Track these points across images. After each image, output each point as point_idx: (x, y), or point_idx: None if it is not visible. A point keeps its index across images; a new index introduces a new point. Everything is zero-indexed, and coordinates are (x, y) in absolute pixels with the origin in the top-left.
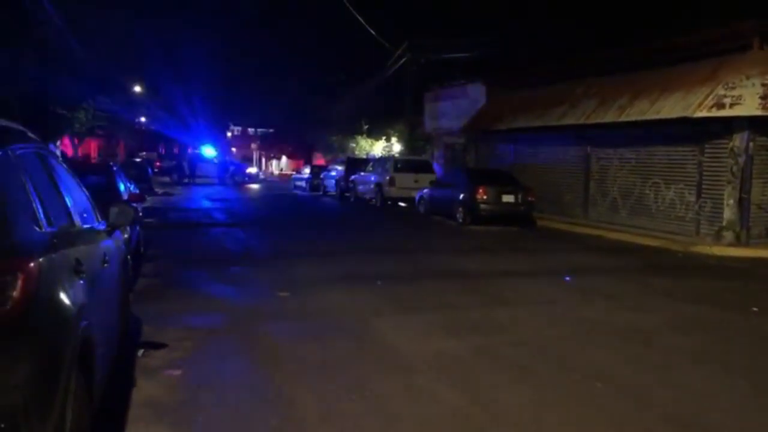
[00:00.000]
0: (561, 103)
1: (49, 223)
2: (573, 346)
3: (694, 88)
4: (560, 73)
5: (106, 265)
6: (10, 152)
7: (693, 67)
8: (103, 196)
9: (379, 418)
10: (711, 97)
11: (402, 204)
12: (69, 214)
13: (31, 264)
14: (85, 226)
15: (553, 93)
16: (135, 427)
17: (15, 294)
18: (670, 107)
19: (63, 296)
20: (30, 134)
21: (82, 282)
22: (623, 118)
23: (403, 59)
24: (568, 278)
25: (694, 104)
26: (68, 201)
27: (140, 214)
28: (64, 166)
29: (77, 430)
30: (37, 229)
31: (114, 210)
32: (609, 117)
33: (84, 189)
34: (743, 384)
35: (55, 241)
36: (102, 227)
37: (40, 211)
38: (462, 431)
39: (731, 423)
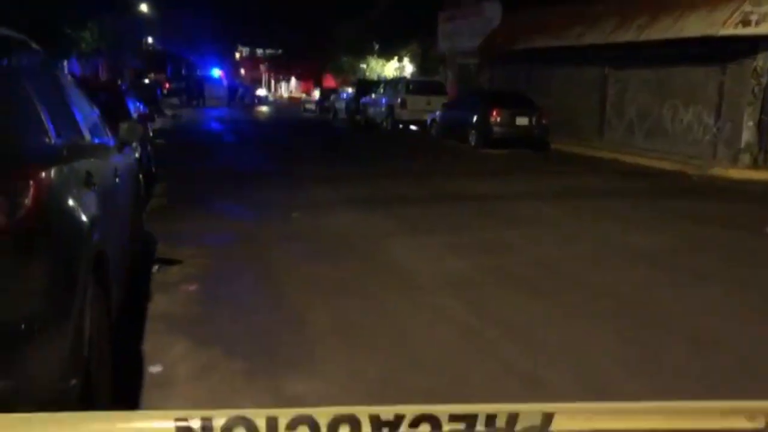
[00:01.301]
0: (579, 22)
1: (59, 135)
2: (583, 266)
3: (719, 5)
4: None
5: (117, 180)
6: (13, 61)
7: None
8: (112, 115)
9: (390, 333)
10: (737, 13)
11: (414, 127)
12: (78, 128)
13: (42, 173)
14: (95, 141)
15: (572, 12)
16: (153, 339)
17: (27, 202)
18: (694, 25)
19: (75, 206)
20: (34, 45)
21: (93, 194)
22: (644, 38)
23: None
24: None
25: (719, 21)
26: (77, 115)
27: (150, 134)
28: (72, 80)
29: (96, 339)
30: (47, 140)
31: (123, 126)
32: (629, 36)
33: (93, 105)
34: (752, 301)
35: (65, 152)
36: (112, 143)
37: (49, 122)
38: (471, 346)
39: (738, 336)
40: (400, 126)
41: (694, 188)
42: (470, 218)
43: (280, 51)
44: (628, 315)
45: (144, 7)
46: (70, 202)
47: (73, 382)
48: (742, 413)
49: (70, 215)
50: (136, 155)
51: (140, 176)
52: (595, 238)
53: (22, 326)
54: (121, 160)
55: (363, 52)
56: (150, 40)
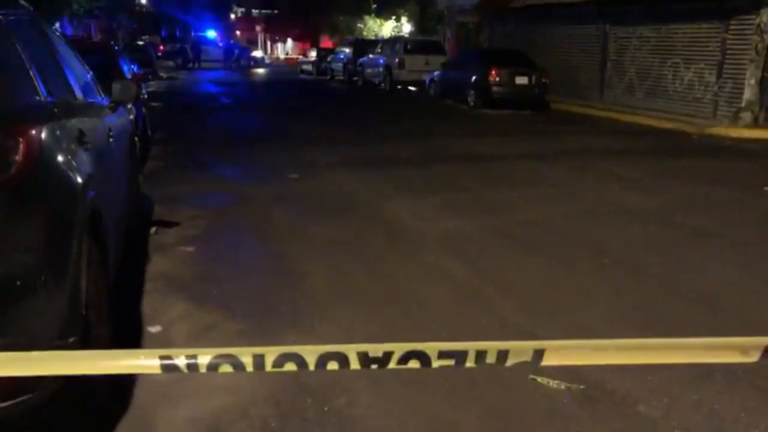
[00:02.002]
0: None
1: (49, 93)
2: (582, 225)
3: None
4: None
5: (111, 140)
6: (1, 17)
7: None
8: (105, 76)
9: (389, 291)
10: None
11: (412, 88)
12: (69, 87)
13: (33, 130)
14: (88, 100)
15: None
16: (151, 298)
17: (18, 158)
18: None
19: (68, 164)
20: (23, 2)
21: (86, 152)
22: None
23: None
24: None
25: None
26: (68, 74)
27: (145, 96)
28: (64, 39)
29: (95, 297)
30: (37, 98)
31: (117, 86)
32: None
33: (85, 65)
34: (749, 258)
35: (55, 110)
36: (105, 103)
37: (39, 80)
38: (470, 303)
39: (734, 294)
40: (399, 86)
41: (694, 147)
42: (469, 179)
43: (275, 11)
44: (628, 273)
45: None
46: (63, 160)
47: (72, 339)
48: (735, 348)
49: (63, 173)
50: (131, 117)
51: (136, 139)
52: (594, 198)
53: (18, 282)
54: (115, 120)
55: (360, 12)
56: (144, 1)
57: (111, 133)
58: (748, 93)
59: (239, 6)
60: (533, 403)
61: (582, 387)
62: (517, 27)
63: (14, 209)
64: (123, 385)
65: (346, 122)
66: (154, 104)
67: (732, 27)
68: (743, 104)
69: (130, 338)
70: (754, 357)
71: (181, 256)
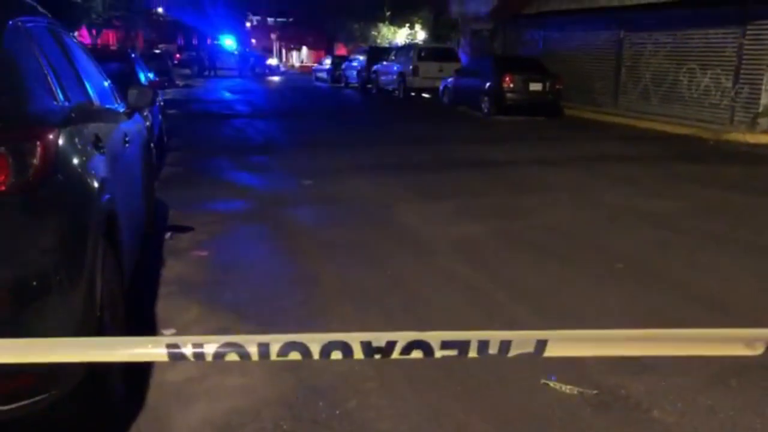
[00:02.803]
0: None
1: (66, 99)
2: (596, 230)
3: None
4: None
5: (127, 145)
6: (20, 23)
7: None
8: (122, 82)
9: (400, 294)
10: None
11: (426, 95)
12: (87, 93)
13: (50, 133)
14: (104, 105)
15: None
16: (165, 302)
17: (35, 162)
18: None
19: (84, 167)
20: (41, 9)
21: (102, 157)
22: None
23: None
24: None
25: None
26: (85, 80)
27: (161, 103)
28: (81, 46)
29: (109, 300)
30: (54, 102)
31: (133, 92)
32: None
33: (102, 71)
34: (764, 264)
35: (72, 114)
36: (121, 109)
37: (56, 85)
38: (480, 307)
39: (748, 299)
40: (412, 93)
41: (711, 153)
42: (483, 184)
43: (290, 20)
44: (641, 278)
45: None
46: (79, 163)
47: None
48: (740, 341)
49: (79, 176)
50: (147, 124)
51: (152, 145)
52: (609, 203)
53: (34, 283)
54: (130, 126)
55: (374, 20)
56: (160, 10)
57: (127, 139)
58: (766, 98)
59: (255, 15)
60: (547, 409)
61: (595, 392)
62: (530, 34)
63: (31, 211)
64: (138, 385)
65: (360, 128)
66: (170, 111)
67: (749, 32)
68: (761, 109)
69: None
70: (759, 350)
71: (195, 261)
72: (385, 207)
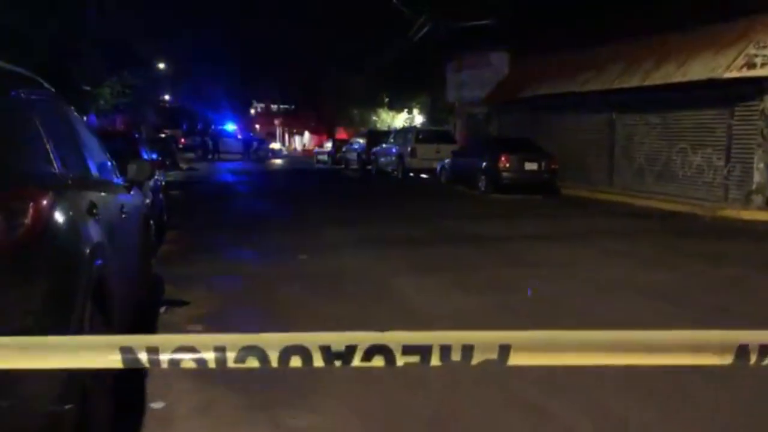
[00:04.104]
0: (585, 68)
1: (64, 167)
2: (594, 303)
3: (723, 49)
4: (584, 37)
5: (123, 215)
6: (23, 94)
7: (723, 28)
8: (125, 160)
9: (394, 371)
10: (741, 56)
11: (424, 176)
12: (84, 164)
13: (42, 194)
14: (102, 177)
15: (578, 59)
16: (157, 374)
17: (27, 221)
18: (698, 69)
19: (76, 231)
20: (46, 84)
21: (96, 224)
22: (648, 82)
23: (425, 29)
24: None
25: (724, 65)
26: (85, 153)
27: (162, 182)
28: (84, 123)
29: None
30: (51, 169)
31: (132, 167)
32: (634, 81)
33: (104, 148)
34: None
35: (68, 181)
36: (120, 182)
37: (55, 155)
38: (479, 379)
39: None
40: (411, 174)
41: (706, 229)
42: (479, 258)
43: (293, 106)
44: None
45: (161, 65)
46: (71, 227)
47: (69, 406)
48: (710, 350)
49: (70, 238)
50: (147, 201)
51: (151, 222)
52: (605, 277)
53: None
54: (128, 199)
55: (374, 105)
56: (167, 97)
57: (124, 210)
58: (758, 177)
59: (259, 102)
60: None
61: None
62: (525, 116)
63: (18, 270)
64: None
65: (359, 207)
66: (172, 192)
67: (737, 113)
68: (754, 187)
69: (133, 415)
70: (728, 360)
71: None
72: (380, 280)
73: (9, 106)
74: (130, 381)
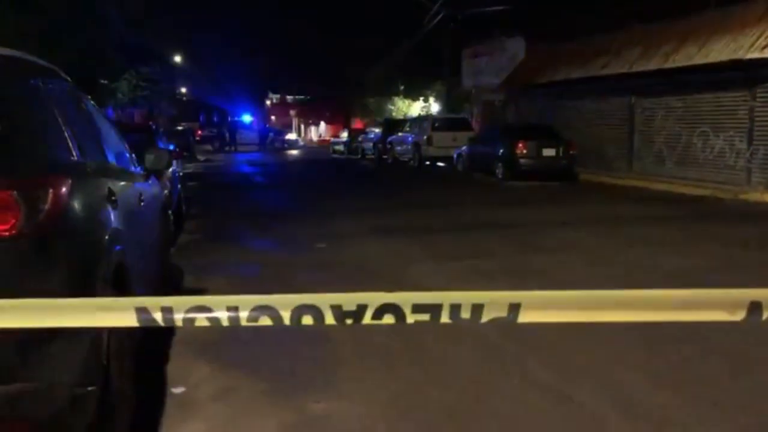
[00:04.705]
0: (603, 53)
1: (82, 155)
2: (614, 287)
3: (745, 30)
4: (602, 21)
5: (141, 203)
6: (41, 83)
7: (744, 8)
8: (143, 151)
9: (414, 355)
10: (764, 36)
11: (440, 164)
12: (103, 153)
13: (62, 181)
14: (119, 165)
15: (595, 43)
16: (176, 360)
17: (46, 207)
18: (720, 50)
19: (95, 217)
20: (63, 74)
21: (114, 210)
22: (669, 65)
23: (440, 15)
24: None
25: (746, 46)
26: (102, 141)
27: (180, 173)
28: (101, 113)
29: (118, 350)
30: (70, 156)
31: (150, 156)
32: (653, 64)
33: (121, 138)
34: None
35: (87, 169)
36: (138, 171)
37: (73, 142)
38: (493, 364)
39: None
40: (427, 162)
41: (728, 212)
42: (496, 245)
43: (308, 97)
44: (655, 335)
45: (177, 59)
46: (91, 213)
47: (91, 388)
48: (721, 307)
49: (90, 224)
50: (166, 192)
51: (169, 212)
52: (626, 261)
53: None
54: (146, 188)
55: (389, 94)
56: (183, 90)
57: (142, 198)
58: None
59: (275, 93)
60: None
61: None
62: (542, 102)
63: (39, 256)
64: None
65: (375, 196)
66: (190, 183)
67: (759, 95)
68: None
69: (154, 397)
70: (740, 316)
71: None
72: (398, 268)
73: (28, 94)
74: (150, 365)
